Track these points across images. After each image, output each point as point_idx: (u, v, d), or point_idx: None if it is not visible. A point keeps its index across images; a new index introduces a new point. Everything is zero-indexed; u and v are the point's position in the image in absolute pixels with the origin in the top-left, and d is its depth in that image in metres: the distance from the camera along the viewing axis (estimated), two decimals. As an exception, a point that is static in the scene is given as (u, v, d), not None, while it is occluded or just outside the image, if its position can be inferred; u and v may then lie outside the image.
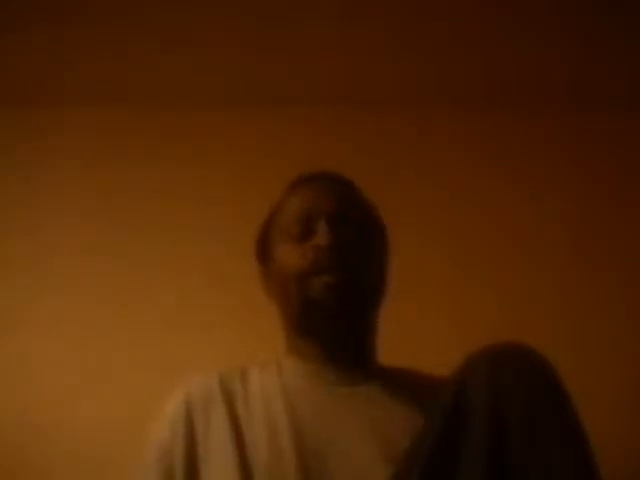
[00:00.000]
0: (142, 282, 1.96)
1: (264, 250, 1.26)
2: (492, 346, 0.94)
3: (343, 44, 1.90)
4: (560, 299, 1.96)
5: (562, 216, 2.05)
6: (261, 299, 1.29)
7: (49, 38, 1.85)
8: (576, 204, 2.06)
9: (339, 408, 1.12)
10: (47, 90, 2.02)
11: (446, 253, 2.00)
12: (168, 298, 1.93)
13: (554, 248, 2.02)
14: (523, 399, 0.88)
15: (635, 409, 1.84)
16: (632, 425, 1.82)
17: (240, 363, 1.23)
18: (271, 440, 1.08)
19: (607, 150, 2.10)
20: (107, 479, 1.69)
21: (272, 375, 1.19)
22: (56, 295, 1.94)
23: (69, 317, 1.92)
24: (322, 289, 1.13)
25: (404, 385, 1.18)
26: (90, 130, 2.07)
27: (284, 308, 1.22)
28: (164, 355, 1.85)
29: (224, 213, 2.00)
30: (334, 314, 1.14)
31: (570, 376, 0.94)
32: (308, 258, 1.14)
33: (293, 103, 2.04)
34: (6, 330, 1.90)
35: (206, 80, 2.01)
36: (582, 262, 2.00)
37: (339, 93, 2.05)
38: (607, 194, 2.07)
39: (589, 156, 2.09)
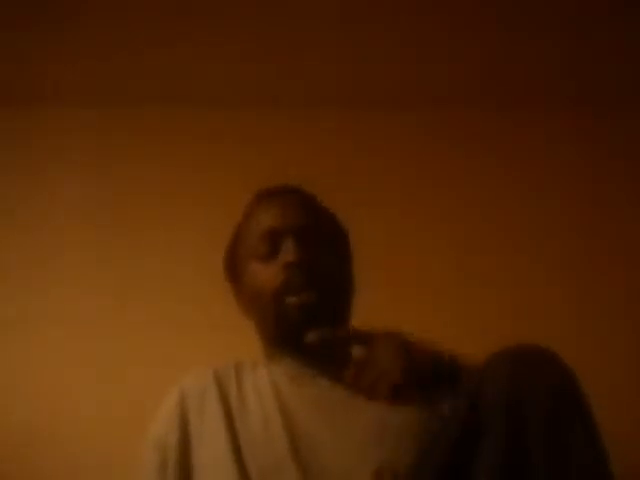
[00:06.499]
0: (142, 281, 1.96)
1: (233, 268, 1.31)
2: (512, 346, 0.95)
3: (343, 45, 1.90)
4: (560, 298, 1.96)
5: (562, 216, 2.05)
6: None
7: (49, 38, 1.85)
8: (576, 203, 2.07)
9: (325, 396, 1.17)
10: (47, 90, 2.02)
11: (446, 253, 2.00)
12: (169, 297, 1.93)
13: (555, 248, 2.02)
14: (543, 398, 0.88)
15: (637, 410, 1.85)
16: (632, 425, 1.82)
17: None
18: (264, 430, 1.12)
19: (607, 150, 2.10)
20: (108, 478, 1.70)
21: (262, 369, 1.23)
22: (56, 295, 1.94)
23: (69, 317, 1.91)
24: (294, 309, 1.18)
25: None
26: (90, 130, 2.07)
27: (260, 324, 1.27)
28: (165, 355, 1.85)
29: (224, 213, 2.00)
30: (306, 329, 1.17)
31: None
32: (280, 278, 1.19)
33: (293, 103, 2.04)
34: (6, 330, 1.90)
35: (206, 80, 2.01)
36: (583, 261, 2.00)
37: (339, 93, 2.05)
38: (607, 193, 2.07)
39: (589, 156, 2.09)
